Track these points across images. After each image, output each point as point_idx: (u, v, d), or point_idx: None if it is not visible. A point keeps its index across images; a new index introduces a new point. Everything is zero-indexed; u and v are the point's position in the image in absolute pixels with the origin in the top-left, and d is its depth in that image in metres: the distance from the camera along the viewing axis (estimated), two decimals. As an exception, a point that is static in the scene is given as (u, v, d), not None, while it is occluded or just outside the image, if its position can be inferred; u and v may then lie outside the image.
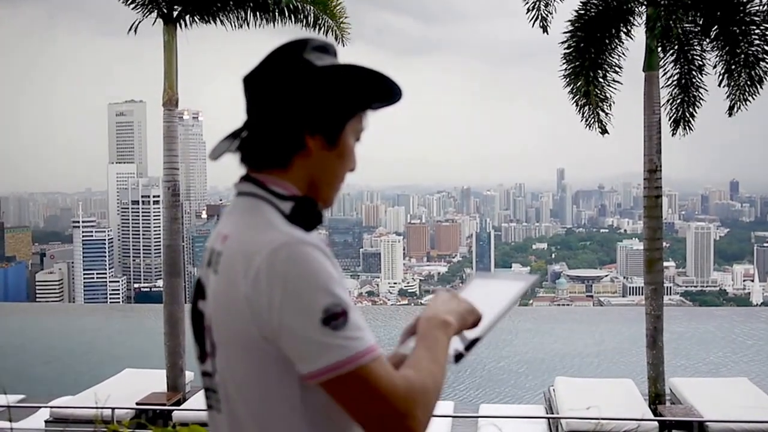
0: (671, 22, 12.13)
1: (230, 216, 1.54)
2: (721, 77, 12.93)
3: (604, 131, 13.50)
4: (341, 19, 14.18)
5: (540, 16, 13.30)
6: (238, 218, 1.51)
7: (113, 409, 10.50)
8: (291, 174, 1.53)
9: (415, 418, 1.37)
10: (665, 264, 13.67)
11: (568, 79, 13.44)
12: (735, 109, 12.91)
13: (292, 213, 1.47)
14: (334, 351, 1.33)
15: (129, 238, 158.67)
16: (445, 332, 1.52)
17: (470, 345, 1.59)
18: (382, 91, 1.57)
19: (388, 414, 1.35)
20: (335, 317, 1.34)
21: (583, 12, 13.21)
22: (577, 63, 13.28)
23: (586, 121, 13.49)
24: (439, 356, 1.47)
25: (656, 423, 11.01)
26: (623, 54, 13.37)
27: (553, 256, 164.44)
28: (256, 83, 1.55)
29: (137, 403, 11.97)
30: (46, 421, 11.72)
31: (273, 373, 1.41)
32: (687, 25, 13.02)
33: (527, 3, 13.39)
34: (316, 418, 1.42)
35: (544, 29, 13.38)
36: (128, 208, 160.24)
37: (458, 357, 1.57)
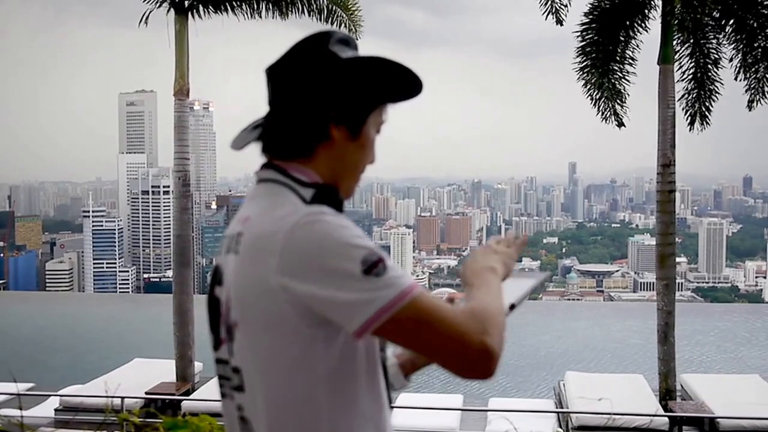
0: (687, 14, 12.03)
1: (252, 200, 1.56)
2: (737, 71, 12.82)
3: (620, 124, 13.42)
4: (354, 12, 14.13)
5: (554, 9, 13.21)
6: (259, 201, 1.53)
7: (123, 398, 10.52)
8: (314, 163, 1.55)
9: (487, 333, 1.34)
10: (677, 260, 13.57)
11: (582, 72, 13.35)
12: (755, 104, 12.81)
13: (312, 199, 1.49)
14: (384, 292, 1.34)
15: (139, 228, 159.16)
16: (495, 275, 1.54)
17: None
18: (405, 83, 1.58)
19: (457, 339, 1.33)
20: (375, 265, 1.35)
21: (598, 4, 13.11)
22: (592, 55, 13.19)
23: (603, 114, 13.40)
24: (494, 290, 1.49)
25: (667, 419, 10.97)
26: (638, 47, 13.28)
27: (564, 250, 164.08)
28: (281, 73, 1.57)
29: (146, 393, 12.02)
30: (55, 410, 11.78)
31: (294, 352, 1.41)
32: (703, 17, 12.88)
33: (541, -5, 13.28)
34: (335, 403, 1.42)
35: (559, 22, 13.27)
36: (138, 198, 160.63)
37: (512, 306, 1.59)
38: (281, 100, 1.57)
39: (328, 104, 1.53)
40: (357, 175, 1.61)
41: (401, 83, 1.57)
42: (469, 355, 1.33)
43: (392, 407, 1.55)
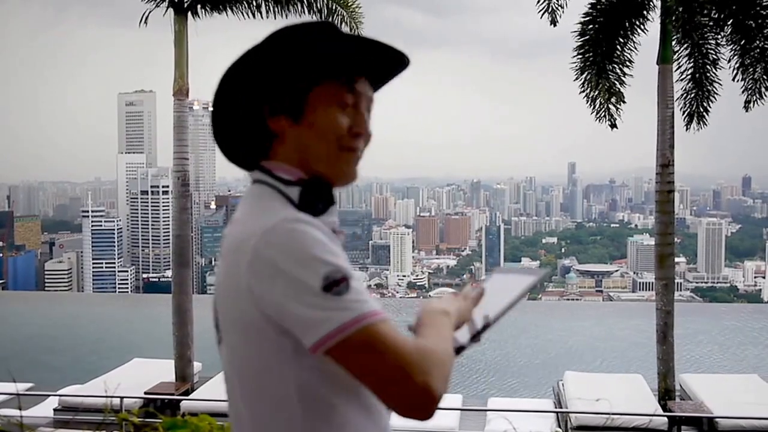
0: (682, 13, 12.06)
1: (241, 203, 1.54)
2: (735, 71, 12.84)
3: (613, 125, 13.44)
4: (354, 9, 14.14)
5: (550, 9, 13.23)
6: (245, 204, 1.51)
7: (122, 398, 10.52)
8: (283, 159, 1.51)
9: (432, 375, 1.31)
10: (676, 260, 13.60)
11: (579, 72, 13.37)
12: (751, 104, 12.84)
13: (301, 198, 1.46)
14: (339, 314, 1.30)
15: (138, 228, 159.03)
16: (447, 318, 1.50)
17: (478, 334, 1.58)
18: (340, 52, 1.50)
19: (403, 373, 1.30)
20: (336, 283, 1.32)
21: (597, 4, 13.12)
22: (590, 56, 13.20)
23: (597, 114, 13.42)
24: (443, 332, 1.44)
25: (666, 418, 10.97)
26: (635, 48, 13.29)
27: (563, 250, 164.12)
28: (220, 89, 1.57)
29: (145, 393, 12.02)
30: (54, 410, 11.79)
31: (264, 358, 1.40)
32: (702, 18, 12.92)
33: (538, -5, 13.30)
34: (310, 411, 1.40)
35: (553, 22, 13.30)
36: (137, 198, 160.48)
37: (461, 348, 1.55)
38: (220, 113, 1.58)
39: (257, 102, 1.52)
40: (329, 157, 1.51)
41: (332, 52, 1.50)
42: (410, 393, 1.30)
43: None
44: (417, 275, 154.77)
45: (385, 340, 1.31)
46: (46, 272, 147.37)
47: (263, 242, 1.36)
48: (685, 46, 13.14)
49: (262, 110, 1.52)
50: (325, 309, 1.31)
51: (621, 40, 13.14)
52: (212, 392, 11.81)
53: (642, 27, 13.17)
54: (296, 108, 1.50)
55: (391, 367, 1.31)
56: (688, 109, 13.35)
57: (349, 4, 14.10)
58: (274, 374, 1.40)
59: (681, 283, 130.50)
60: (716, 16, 12.79)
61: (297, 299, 1.32)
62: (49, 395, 12.20)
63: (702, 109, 13.33)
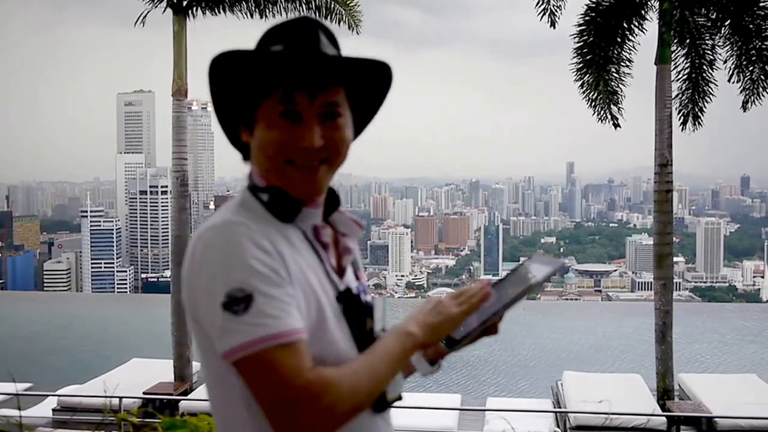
0: (686, 14, 12.08)
1: None
2: (731, 72, 12.87)
3: (616, 125, 13.45)
4: (353, 8, 14.15)
5: (548, 10, 13.24)
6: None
7: (121, 398, 10.51)
8: (254, 164, 1.54)
9: (321, 411, 1.31)
10: (674, 259, 13.62)
11: (579, 73, 13.38)
12: (749, 104, 12.86)
13: (269, 203, 1.49)
14: (235, 335, 1.31)
15: (137, 228, 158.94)
16: (401, 342, 1.45)
17: (456, 343, 1.54)
18: (266, 69, 1.48)
19: (287, 399, 1.31)
20: (236, 302, 1.32)
21: (595, 5, 13.13)
22: (589, 56, 13.22)
23: (598, 114, 13.43)
24: (375, 360, 1.42)
25: (664, 418, 10.98)
26: (634, 48, 13.31)
27: (562, 250, 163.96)
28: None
29: (144, 393, 12.02)
30: (53, 410, 11.79)
31: (210, 353, 1.42)
32: (699, 19, 12.94)
33: (536, -5, 13.31)
34: (251, 398, 1.40)
35: (552, 23, 13.32)
36: (136, 198, 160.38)
37: (455, 342, 1.53)
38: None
39: (227, 113, 1.57)
40: (274, 170, 1.49)
41: (260, 69, 1.48)
42: (292, 426, 1.31)
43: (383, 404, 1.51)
44: (416, 275, 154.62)
45: (275, 367, 1.31)
46: (44, 272, 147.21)
47: (194, 246, 1.41)
48: (683, 46, 13.17)
49: (232, 119, 1.57)
50: (223, 328, 1.33)
51: (619, 40, 13.16)
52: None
53: (640, 27, 13.19)
54: (249, 120, 1.51)
55: (276, 393, 1.32)
56: (684, 110, 13.39)
57: (348, 4, 14.11)
58: (218, 372, 1.42)
59: (680, 283, 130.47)
60: (714, 17, 12.81)
61: (205, 308, 1.37)
62: (48, 395, 12.20)
63: (697, 110, 13.36)
